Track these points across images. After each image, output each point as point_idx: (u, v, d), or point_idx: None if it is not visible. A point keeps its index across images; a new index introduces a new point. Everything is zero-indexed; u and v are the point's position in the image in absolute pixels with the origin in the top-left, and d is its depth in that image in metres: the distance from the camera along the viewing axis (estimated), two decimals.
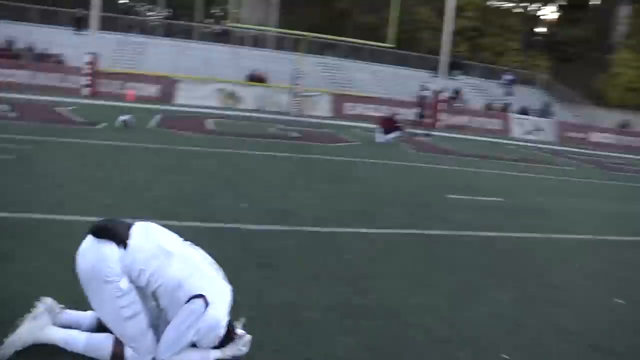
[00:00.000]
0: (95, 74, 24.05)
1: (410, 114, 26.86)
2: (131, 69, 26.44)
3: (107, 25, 30.77)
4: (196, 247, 2.83)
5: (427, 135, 21.48)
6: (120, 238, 2.54)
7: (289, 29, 29.47)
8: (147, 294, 2.62)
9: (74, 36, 29.06)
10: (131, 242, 2.55)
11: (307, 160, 11.29)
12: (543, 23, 48.48)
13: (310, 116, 25.12)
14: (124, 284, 2.51)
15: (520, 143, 24.91)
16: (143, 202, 6.26)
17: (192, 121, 17.15)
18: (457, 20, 35.48)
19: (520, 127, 29.91)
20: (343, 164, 11.56)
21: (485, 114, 30.40)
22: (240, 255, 4.67)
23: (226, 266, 2.88)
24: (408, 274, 4.71)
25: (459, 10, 35.93)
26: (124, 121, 13.11)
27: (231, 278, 2.84)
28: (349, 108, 28.13)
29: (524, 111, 31.33)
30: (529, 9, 46.55)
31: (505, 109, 31.42)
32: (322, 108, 27.42)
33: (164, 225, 2.82)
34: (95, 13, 28.81)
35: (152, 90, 25.55)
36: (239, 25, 32.08)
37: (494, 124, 29.75)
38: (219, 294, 2.63)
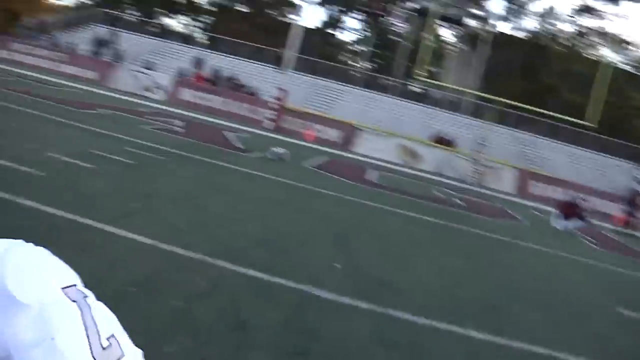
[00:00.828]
0: (281, 110, 24.45)
1: (612, 207, 23.43)
2: (319, 112, 26.53)
3: (308, 67, 31.57)
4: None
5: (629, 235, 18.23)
6: None
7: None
8: None
9: (274, 73, 30.15)
10: None
11: (452, 231, 9.52)
12: None
13: (490, 188, 22.93)
14: None
15: None
16: (216, 234, 5.19)
17: (356, 169, 16.15)
18: None
19: None
20: (495, 242, 9.56)
21: None
22: (279, 337, 3.31)
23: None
24: None
25: None
26: (278, 154, 12.50)
27: None
28: (536, 187, 25.28)
29: None
30: None
31: None
32: (505, 182, 24.96)
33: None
34: (291, 53, 29.72)
35: (332, 134, 25.33)
36: (435, 82, 30.99)
37: None
38: None
